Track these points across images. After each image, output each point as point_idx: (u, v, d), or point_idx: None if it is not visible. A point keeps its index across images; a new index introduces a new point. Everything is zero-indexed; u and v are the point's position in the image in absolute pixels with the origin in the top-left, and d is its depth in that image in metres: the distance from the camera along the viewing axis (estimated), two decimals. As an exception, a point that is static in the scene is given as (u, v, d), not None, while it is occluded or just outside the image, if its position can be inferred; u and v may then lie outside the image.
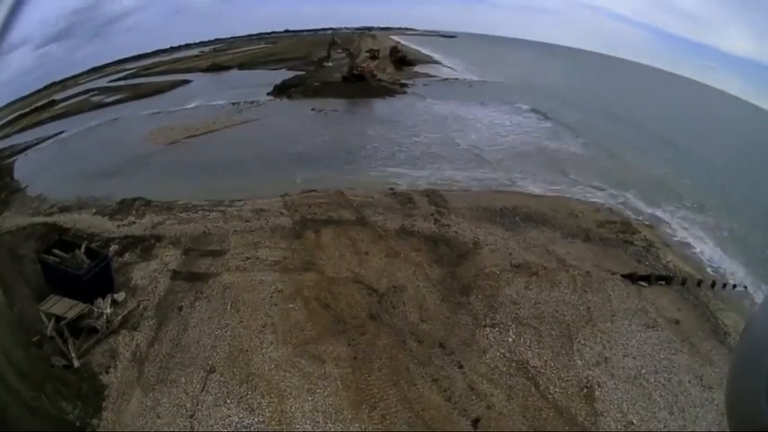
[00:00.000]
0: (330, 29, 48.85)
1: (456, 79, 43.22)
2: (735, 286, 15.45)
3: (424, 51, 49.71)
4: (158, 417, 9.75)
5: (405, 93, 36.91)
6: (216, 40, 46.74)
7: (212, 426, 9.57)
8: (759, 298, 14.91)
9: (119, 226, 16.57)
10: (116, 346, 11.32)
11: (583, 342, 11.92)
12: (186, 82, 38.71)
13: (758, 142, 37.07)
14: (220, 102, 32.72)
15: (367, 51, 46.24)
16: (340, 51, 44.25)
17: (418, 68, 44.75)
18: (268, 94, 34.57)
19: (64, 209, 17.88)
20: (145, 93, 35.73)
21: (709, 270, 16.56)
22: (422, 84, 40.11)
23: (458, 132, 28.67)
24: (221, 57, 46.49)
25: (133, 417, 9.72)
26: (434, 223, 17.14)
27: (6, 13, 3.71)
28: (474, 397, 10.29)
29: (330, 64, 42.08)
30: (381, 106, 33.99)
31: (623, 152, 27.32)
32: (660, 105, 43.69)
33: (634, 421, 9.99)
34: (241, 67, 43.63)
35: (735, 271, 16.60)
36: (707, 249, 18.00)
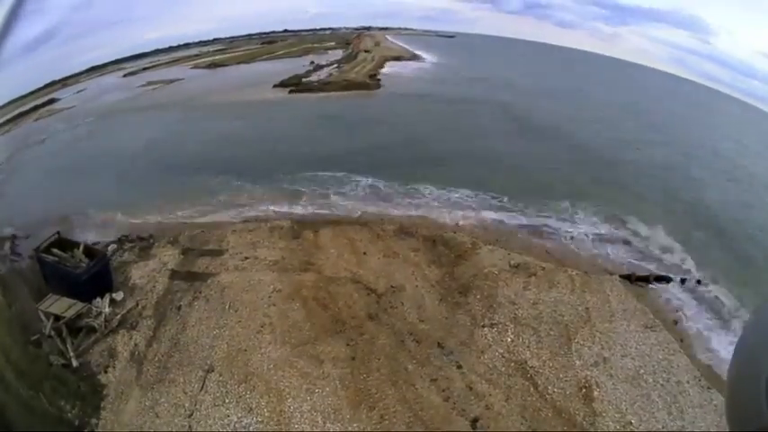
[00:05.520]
0: (329, 28, 48.68)
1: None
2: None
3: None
4: (157, 416, 9.76)
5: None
6: (215, 39, 46.61)
7: (211, 425, 9.58)
8: None
9: (118, 225, 16.55)
10: (114, 345, 11.32)
11: (581, 342, 11.93)
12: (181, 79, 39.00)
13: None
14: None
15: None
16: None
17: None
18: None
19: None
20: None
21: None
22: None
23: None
24: (220, 56, 46.56)
25: (131, 416, 9.73)
26: (433, 223, 17.15)
27: (7, 12, 3.70)
28: (472, 397, 10.30)
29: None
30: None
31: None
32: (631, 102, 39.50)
33: (633, 421, 10.00)
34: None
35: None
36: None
